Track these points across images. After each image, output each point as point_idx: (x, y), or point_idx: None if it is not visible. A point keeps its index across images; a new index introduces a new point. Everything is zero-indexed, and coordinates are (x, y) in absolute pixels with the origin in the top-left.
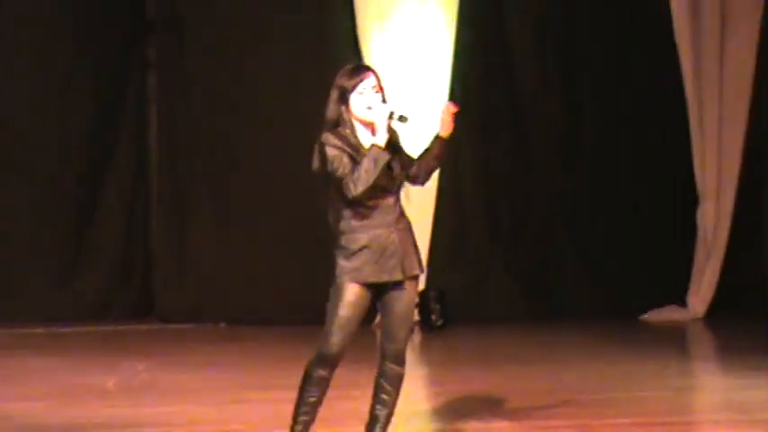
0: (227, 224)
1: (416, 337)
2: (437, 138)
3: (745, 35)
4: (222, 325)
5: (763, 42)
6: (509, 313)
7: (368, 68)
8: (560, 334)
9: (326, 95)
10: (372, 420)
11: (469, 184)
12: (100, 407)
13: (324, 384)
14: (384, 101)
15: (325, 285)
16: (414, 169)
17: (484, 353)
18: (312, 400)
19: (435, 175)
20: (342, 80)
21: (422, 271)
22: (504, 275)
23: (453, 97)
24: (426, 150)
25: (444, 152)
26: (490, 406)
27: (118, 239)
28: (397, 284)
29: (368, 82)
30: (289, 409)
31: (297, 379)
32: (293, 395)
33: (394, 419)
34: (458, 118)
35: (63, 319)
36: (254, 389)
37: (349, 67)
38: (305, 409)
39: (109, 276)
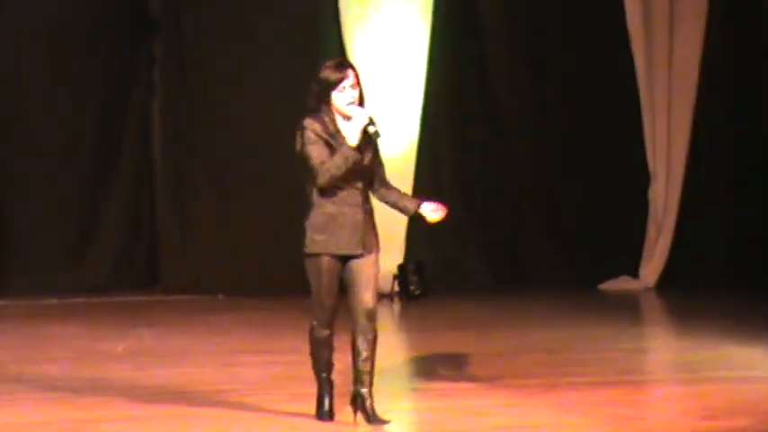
0: (224, 206)
1: (396, 306)
2: (419, 215)
3: (692, 31)
4: (220, 296)
5: (709, 39)
6: (482, 284)
7: (348, 66)
8: (527, 302)
9: (310, 86)
10: (357, 375)
11: (447, 168)
12: (111, 369)
13: (329, 342)
14: (361, 96)
15: None
16: (377, 184)
17: (458, 319)
18: (326, 357)
19: (413, 158)
20: (324, 75)
21: (378, 250)
22: (478, 250)
23: (429, 89)
24: (403, 204)
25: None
26: (463, 366)
27: (126, 220)
28: (359, 256)
29: (348, 81)
30: (280, 370)
31: (287, 344)
32: (284, 358)
33: (375, 379)
34: (436, 109)
35: (77, 291)
36: (248, 353)
37: (331, 63)
38: (322, 365)
39: (119, 253)
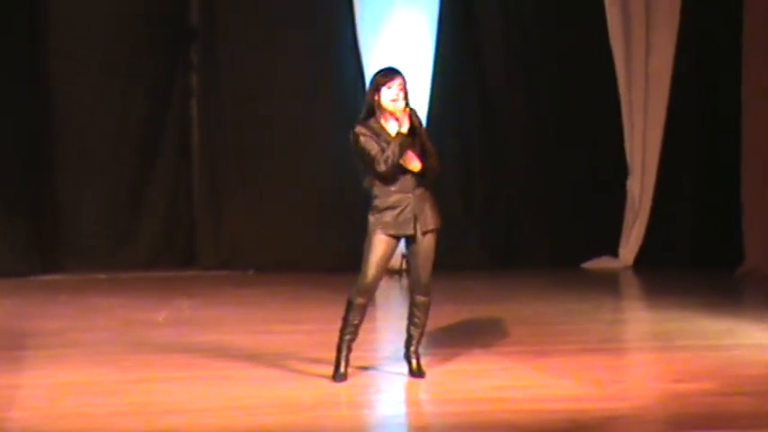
0: (253, 192)
1: (403, 282)
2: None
3: (665, 45)
4: (250, 272)
5: (679, 53)
6: (480, 264)
7: (398, 72)
8: (519, 280)
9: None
10: (409, 338)
11: (449, 168)
12: (153, 336)
13: (362, 310)
14: (407, 100)
15: (333, 241)
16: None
17: (458, 294)
18: (355, 322)
19: None
20: (378, 78)
21: (436, 225)
22: (476, 236)
23: (434, 99)
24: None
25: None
26: (462, 335)
27: (168, 205)
28: (416, 236)
29: (396, 81)
30: (305, 339)
31: (312, 315)
32: (310, 327)
33: (385, 345)
34: (441, 119)
35: (123, 268)
36: (276, 323)
37: (384, 69)
38: (349, 330)
39: (161, 234)
